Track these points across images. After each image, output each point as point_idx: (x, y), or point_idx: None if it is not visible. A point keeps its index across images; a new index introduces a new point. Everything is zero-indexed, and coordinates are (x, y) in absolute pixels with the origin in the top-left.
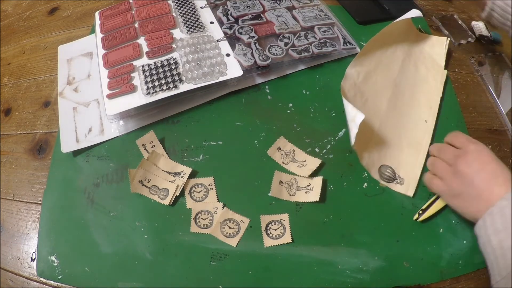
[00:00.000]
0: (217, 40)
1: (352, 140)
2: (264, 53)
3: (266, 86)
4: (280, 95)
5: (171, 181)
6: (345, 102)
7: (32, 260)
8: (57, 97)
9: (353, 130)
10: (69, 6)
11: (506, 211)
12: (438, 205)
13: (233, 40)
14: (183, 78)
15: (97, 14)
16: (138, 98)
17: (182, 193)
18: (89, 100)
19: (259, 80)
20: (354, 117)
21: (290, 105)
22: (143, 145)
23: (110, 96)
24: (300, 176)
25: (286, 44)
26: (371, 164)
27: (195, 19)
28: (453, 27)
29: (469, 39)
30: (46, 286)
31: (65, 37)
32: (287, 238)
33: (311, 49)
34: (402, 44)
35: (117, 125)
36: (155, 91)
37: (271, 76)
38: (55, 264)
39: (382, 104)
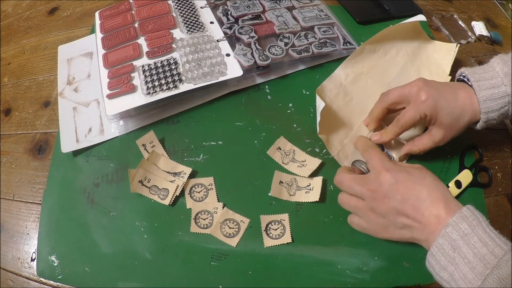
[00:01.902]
0: (217, 40)
1: (317, 128)
2: (264, 53)
3: (266, 86)
4: (280, 95)
5: (171, 181)
6: (317, 98)
7: (32, 260)
8: (57, 97)
9: (318, 119)
10: (69, 6)
11: (446, 247)
12: None
13: (233, 40)
14: (183, 78)
15: (97, 14)
16: (138, 98)
17: (182, 193)
18: (89, 100)
19: (259, 80)
20: (319, 107)
21: (290, 105)
22: (143, 145)
23: (110, 96)
24: (300, 176)
25: (286, 44)
26: (344, 157)
27: (195, 19)
28: (453, 27)
29: (469, 39)
30: (46, 286)
31: (65, 37)
32: (287, 238)
33: (311, 49)
34: (406, 49)
35: (117, 125)
36: (155, 91)
37: (271, 76)
38: (55, 264)
39: (370, 105)
